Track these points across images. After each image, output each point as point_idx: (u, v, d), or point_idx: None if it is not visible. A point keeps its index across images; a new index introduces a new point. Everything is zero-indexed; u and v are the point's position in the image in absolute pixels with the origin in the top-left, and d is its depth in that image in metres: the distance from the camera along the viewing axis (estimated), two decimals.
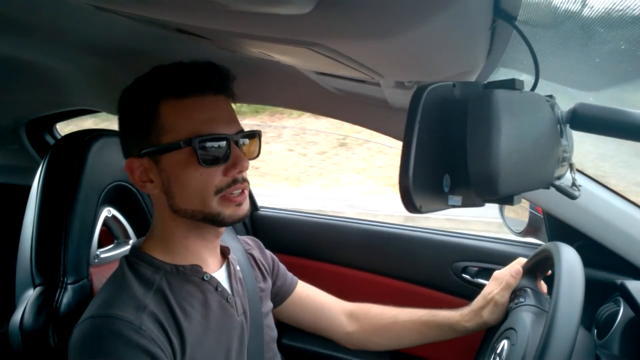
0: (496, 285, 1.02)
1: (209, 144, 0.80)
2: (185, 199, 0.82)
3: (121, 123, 0.86)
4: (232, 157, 0.82)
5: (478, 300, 1.04)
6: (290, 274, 1.16)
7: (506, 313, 0.97)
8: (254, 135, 0.90)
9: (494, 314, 1.00)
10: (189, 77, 0.81)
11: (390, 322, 1.11)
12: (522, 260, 1.04)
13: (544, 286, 1.02)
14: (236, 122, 0.86)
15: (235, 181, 0.83)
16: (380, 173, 8.34)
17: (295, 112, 9.60)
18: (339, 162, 8.93)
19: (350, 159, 9.00)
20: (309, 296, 1.15)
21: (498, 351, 0.85)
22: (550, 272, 1.00)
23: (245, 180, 0.85)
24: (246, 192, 0.86)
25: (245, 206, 0.86)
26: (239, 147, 0.84)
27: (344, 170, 8.70)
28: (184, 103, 0.80)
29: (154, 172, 0.83)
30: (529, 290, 0.96)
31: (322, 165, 8.91)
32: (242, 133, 0.85)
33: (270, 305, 1.06)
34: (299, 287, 1.15)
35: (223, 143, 0.81)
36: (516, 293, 0.98)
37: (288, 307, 1.13)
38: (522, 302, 0.93)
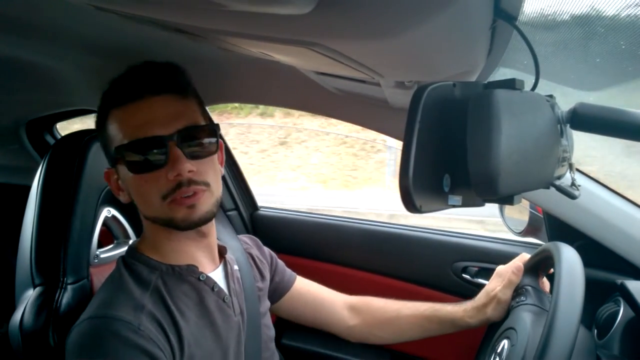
0: (499, 281, 1.02)
1: (138, 150, 0.76)
2: (142, 206, 0.83)
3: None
4: (169, 159, 0.76)
5: (481, 297, 1.04)
6: (288, 270, 1.16)
7: (508, 311, 0.97)
8: (204, 130, 0.82)
9: (496, 311, 0.99)
10: (124, 84, 0.80)
11: (393, 316, 1.11)
12: (525, 256, 1.03)
13: (546, 284, 1.02)
14: (179, 119, 0.79)
15: (180, 185, 0.77)
16: (313, 170, 8.96)
17: (243, 112, 9.93)
18: (278, 160, 9.44)
19: (288, 156, 9.55)
20: (309, 291, 1.15)
21: (498, 351, 0.85)
22: (552, 270, 1.00)
23: (194, 182, 0.78)
24: (201, 195, 0.79)
25: (202, 207, 0.79)
26: (181, 146, 0.77)
27: (280, 168, 9.20)
28: (122, 111, 0.79)
29: (120, 182, 0.85)
30: (530, 288, 0.96)
31: (261, 163, 9.35)
32: (184, 131, 0.78)
33: (268, 304, 1.06)
34: (298, 282, 1.15)
35: (154, 145, 0.76)
36: (518, 291, 0.98)
37: (287, 302, 1.13)
38: (523, 300, 0.93)
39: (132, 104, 0.78)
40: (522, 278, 1.01)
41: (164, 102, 0.79)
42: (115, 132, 0.80)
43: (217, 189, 0.84)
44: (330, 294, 1.17)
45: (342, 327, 1.14)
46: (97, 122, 0.85)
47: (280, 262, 1.16)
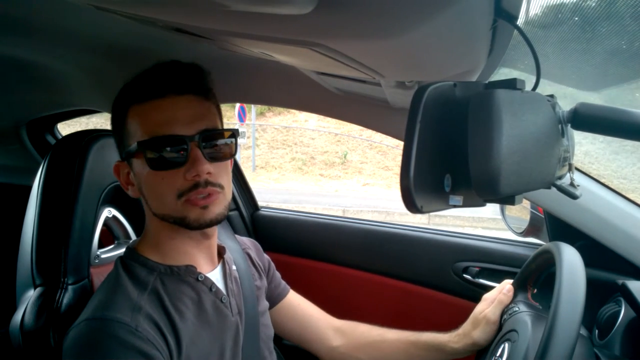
0: (486, 305, 1.00)
1: (159, 147, 0.77)
2: (154, 202, 0.83)
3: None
4: (189, 159, 0.78)
5: (468, 323, 1.01)
6: (283, 282, 1.16)
7: (499, 327, 0.97)
8: (225, 133, 0.83)
9: (485, 333, 0.97)
10: (149, 81, 0.80)
11: (378, 340, 1.10)
12: (509, 281, 1.02)
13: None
14: (201, 120, 0.80)
15: (196, 185, 0.78)
16: None
17: None
18: None
19: None
20: (300, 305, 1.15)
21: (498, 354, 0.85)
22: (535, 289, 0.99)
23: (210, 184, 0.79)
24: (215, 196, 0.80)
25: (215, 209, 0.81)
26: (201, 148, 0.79)
27: None
28: (145, 107, 0.80)
29: (132, 176, 0.85)
30: (520, 302, 0.96)
31: None
32: (205, 133, 0.80)
33: (266, 304, 1.06)
34: (290, 295, 1.15)
35: (176, 144, 0.77)
36: (508, 306, 0.98)
37: (277, 313, 1.12)
38: (516, 311, 0.92)
39: (155, 101, 0.79)
40: None
41: (187, 102, 0.81)
42: (135, 127, 0.80)
43: (229, 192, 0.86)
44: (318, 313, 1.16)
45: (325, 347, 1.12)
46: (114, 116, 0.85)
47: (277, 273, 1.16)
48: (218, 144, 0.83)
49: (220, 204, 0.82)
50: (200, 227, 0.82)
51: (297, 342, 1.15)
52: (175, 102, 0.80)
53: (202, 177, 0.78)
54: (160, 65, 0.81)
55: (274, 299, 1.12)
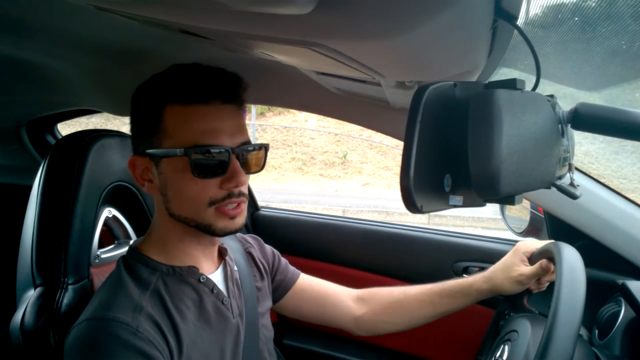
0: (516, 258, 0.99)
1: (205, 155, 0.78)
2: (179, 205, 0.82)
3: (131, 119, 0.86)
4: (229, 170, 0.80)
5: (497, 272, 1.01)
6: (292, 267, 1.15)
7: (500, 324, 0.97)
8: (260, 148, 0.86)
9: (512, 285, 0.97)
10: (196, 83, 0.79)
11: (400, 298, 1.09)
12: (535, 244, 1.00)
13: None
14: (241, 133, 0.82)
15: (230, 195, 0.81)
16: None
17: None
18: None
19: None
20: (312, 286, 1.14)
21: (498, 354, 0.85)
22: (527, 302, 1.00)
23: (242, 194, 0.82)
24: (242, 207, 0.83)
25: (240, 220, 0.84)
26: (240, 159, 0.81)
27: None
28: (188, 110, 0.79)
29: (153, 173, 0.83)
30: (515, 308, 0.97)
31: None
32: (245, 145, 0.82)
33: (267, 304, 1.05)
34: (301, 279, 1.14)
35: (221, 155, 0.79)
36: (505, 310, 0.98)
37: (291, 299, 1.11)
38: (512, 316, 0.93)
39: (200, 106, 0.79)
40: (503, 304, 1.00)
41: (229, 112, 0.81)
42: (175, 129, 0.79)
43: None
44: (335, 287, 1.15)
45: (350, 318, 1.11)
46: (143, 108, 0.83)
47: (284, 260, 1.15)
48: (253, 157, 0.85)
49: (244, 215, 0.85)
50: (225, 235, 0.84)
51: (321, 322, 1.13)
52: (220, 111, 0.80)
53: (239, 188, 0.81)
54: (204, 68, 0.80)
55: (285, 286, 1.11)
